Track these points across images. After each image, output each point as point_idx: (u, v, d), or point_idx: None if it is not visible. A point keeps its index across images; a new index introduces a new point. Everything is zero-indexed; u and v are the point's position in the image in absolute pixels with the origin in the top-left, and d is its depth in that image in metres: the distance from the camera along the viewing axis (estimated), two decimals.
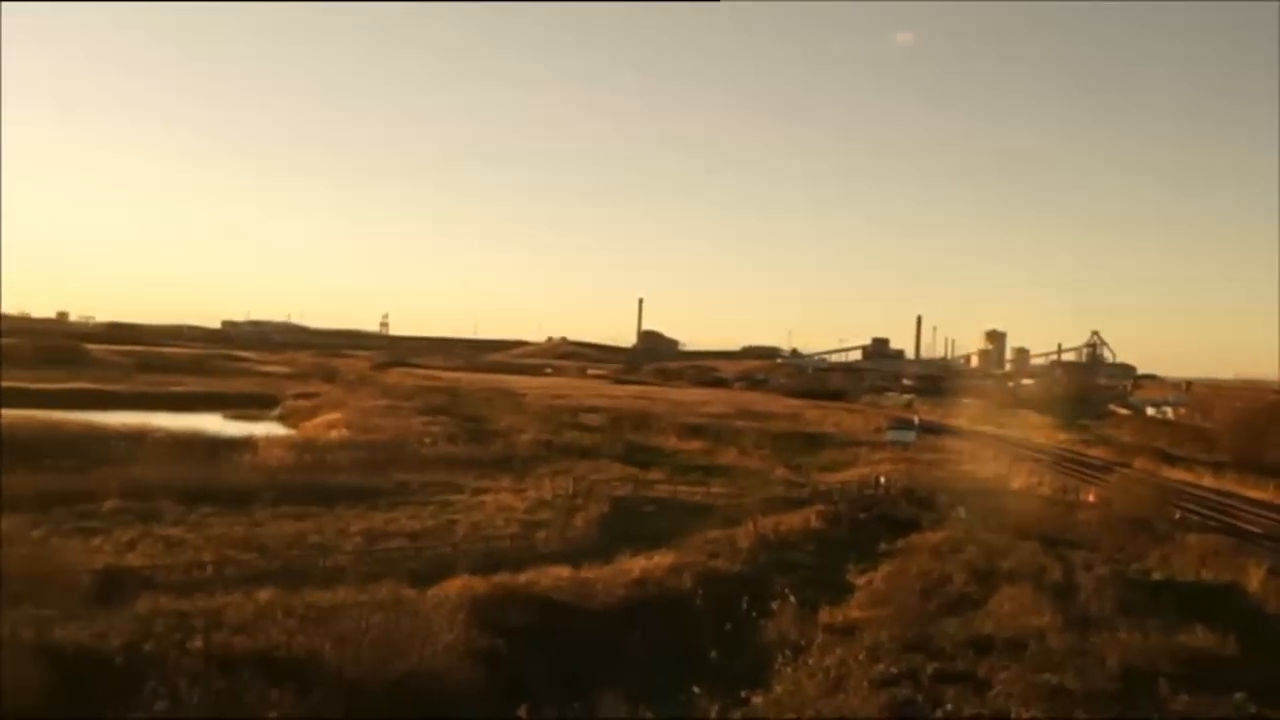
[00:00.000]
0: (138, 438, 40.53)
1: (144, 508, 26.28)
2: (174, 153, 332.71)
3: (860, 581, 24.87)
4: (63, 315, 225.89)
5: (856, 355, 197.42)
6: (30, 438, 38.79)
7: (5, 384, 65.15)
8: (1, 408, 45.29)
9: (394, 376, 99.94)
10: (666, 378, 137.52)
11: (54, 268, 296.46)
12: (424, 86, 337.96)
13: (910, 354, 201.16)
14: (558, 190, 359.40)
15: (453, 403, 69.13)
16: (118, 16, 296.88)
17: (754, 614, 20.40)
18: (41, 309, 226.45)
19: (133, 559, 21.45)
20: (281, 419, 62.46)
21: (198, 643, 14.84)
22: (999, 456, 51.90)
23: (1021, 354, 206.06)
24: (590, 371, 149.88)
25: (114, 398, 65.73)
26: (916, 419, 71.03)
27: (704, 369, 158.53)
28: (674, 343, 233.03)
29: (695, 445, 52.36)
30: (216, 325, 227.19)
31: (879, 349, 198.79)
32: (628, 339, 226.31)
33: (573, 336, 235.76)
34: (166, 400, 67.03)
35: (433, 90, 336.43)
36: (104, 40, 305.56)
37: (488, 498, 31.88)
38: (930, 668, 15.77)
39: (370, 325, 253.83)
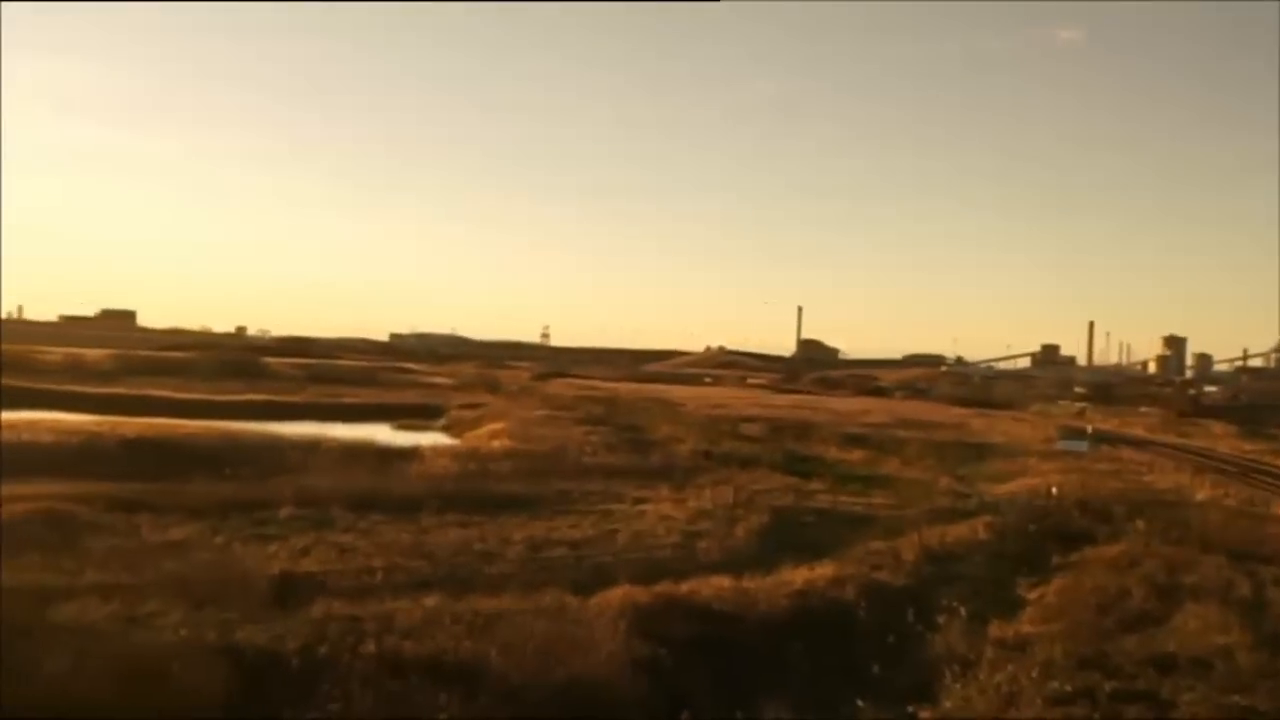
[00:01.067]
0: (311, 447, 41.96)
1: (317, 515, 27.04)
2: (340, 172, 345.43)
3: (1031, 596, 23.94)
4: (241, 330, 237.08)
5: (1025, 362, 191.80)
6: (211, 447, 40.73)
7: (189, 396, 68.73)
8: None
9: (555, 387, 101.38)
10: (827, 386, 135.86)
11: (233, 286, 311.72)
12: (584, 94, 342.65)
13: (1082, 360, 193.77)
14: (715, 198, 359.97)
15: (612, 412, 69.64)
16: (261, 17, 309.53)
17: (919, 627, 19.90)
18: (222, 324, 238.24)
19: (307, 564, 22.06)
20: (447, 429, 63.89)
21: (370, 647, 15.21)
22: (1180, 467, 49.54)
23: (1203, 360, 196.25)
24: (749, 381, 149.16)
25: (289, 408, 68.22)
26: (1090, 428, 68.50)
27: (865, 377, 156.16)
28: (834, 351, 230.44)
29: (856, 455, 51.48)
30: (385, 338, 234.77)
31: (1048, 356, 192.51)
32: (787, 347, 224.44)
33: (731, 346, 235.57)
34: (338, 411, 69.31)
35: (591, 98, 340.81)
36: (258, 55, 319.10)
37: (648, 507, 31.91)
38: (1108, 686, 15.09)
39: (532, 337, 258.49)
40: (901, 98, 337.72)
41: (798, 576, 22.64)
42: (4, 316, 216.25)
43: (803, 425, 63.72)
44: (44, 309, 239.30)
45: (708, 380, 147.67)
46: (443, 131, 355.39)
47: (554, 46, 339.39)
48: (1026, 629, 20.56)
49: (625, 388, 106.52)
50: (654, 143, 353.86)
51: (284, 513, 26.90)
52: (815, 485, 39.38)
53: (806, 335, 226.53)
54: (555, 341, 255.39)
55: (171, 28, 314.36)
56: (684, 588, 20.69)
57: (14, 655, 13.40)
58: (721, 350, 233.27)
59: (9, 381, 74.60)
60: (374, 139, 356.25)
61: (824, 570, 23.30)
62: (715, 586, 21.13)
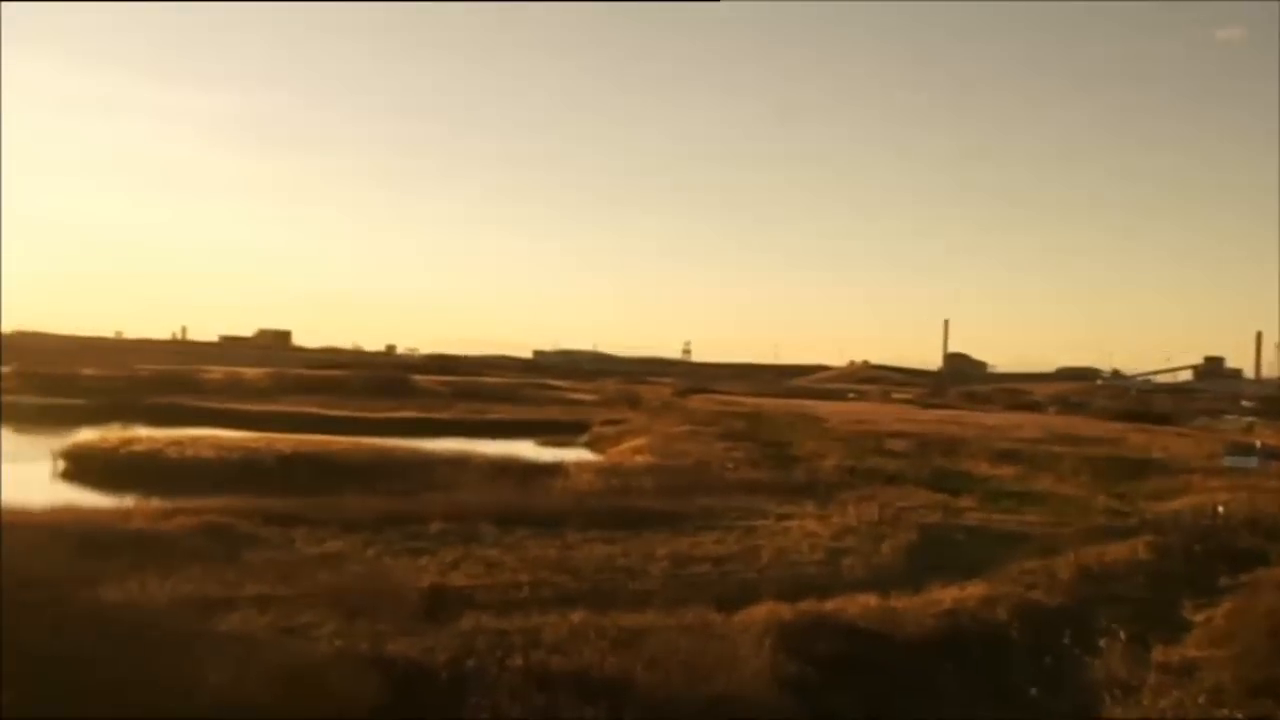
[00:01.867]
0: (459, 463, 42.81)
1: (465, 530, 27.41)
2: (486, 191, 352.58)
3: (1198, 618, 22.77)
4: (391, 348, 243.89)
5: (1186, 375, 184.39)
6: (363, 462, 42.07)
7: (342, 413, 70.97)
8: None
9: (696, 402, 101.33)
10: (975, 401, 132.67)
11: (383, 306, 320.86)
12: (728, 112, 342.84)
13: (1249, 373, 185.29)
14: (859, 211, 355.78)
15: (754, 428, 69.25)
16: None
17: (1077, 650, 19.13)
18: (372, 343, 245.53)
19: (456, 578, 22.38)
20: (589, 445, 64.49)
21: (517, 660, 15.32)
22: None
23: None
24: (894, 395, 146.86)
25: (437, 425, 69.88)
26: (1259, 443, 65.21)
27: (1015, 392, 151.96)
28: (982, 365, 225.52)
29: (1007, 471, 49.98)
30: (528, 355, 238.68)
31: (1213, 368, 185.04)
32: (933, 361, 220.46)
33: (875, 360, 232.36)
34: (484, 427, 70.68)
35: (735, 116, 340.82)
36: (406, 75, 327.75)
37: (791, 523, 31.54)
38: None
39: (673, 353, 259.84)
40: (1054, 101, 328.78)
41: (947, 595, 22.03)
42: (167, 337, 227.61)
43: (950, 441, 62.20)
44: (206, 330, 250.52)
45: (851, 395, 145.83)
46: (584, 148, 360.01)
47: (696, 64, 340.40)
48: (1192, 653, 19.57)
49: (767, 403, 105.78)
50: (793, 158, 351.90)
51: (433, 527, 27.34)
52: (964, 502, 38.38)
53: (953, 348, 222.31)
54: (696, 357, 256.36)
55: (316, 57, 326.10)
56: (829, 605, 20.35)
57: (180, 663, 13.93)
58: (865, 364, 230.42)
59: (178, 400, 78.46)
60: (516, 157, 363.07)
61: (975, 589, 22.63)
62: (861, 605, 20.71)
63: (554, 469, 43.34)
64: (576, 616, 18.36)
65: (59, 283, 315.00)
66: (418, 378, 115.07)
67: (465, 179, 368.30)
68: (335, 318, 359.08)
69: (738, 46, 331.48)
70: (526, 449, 56.53)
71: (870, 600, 21.08)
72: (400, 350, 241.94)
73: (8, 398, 73.40)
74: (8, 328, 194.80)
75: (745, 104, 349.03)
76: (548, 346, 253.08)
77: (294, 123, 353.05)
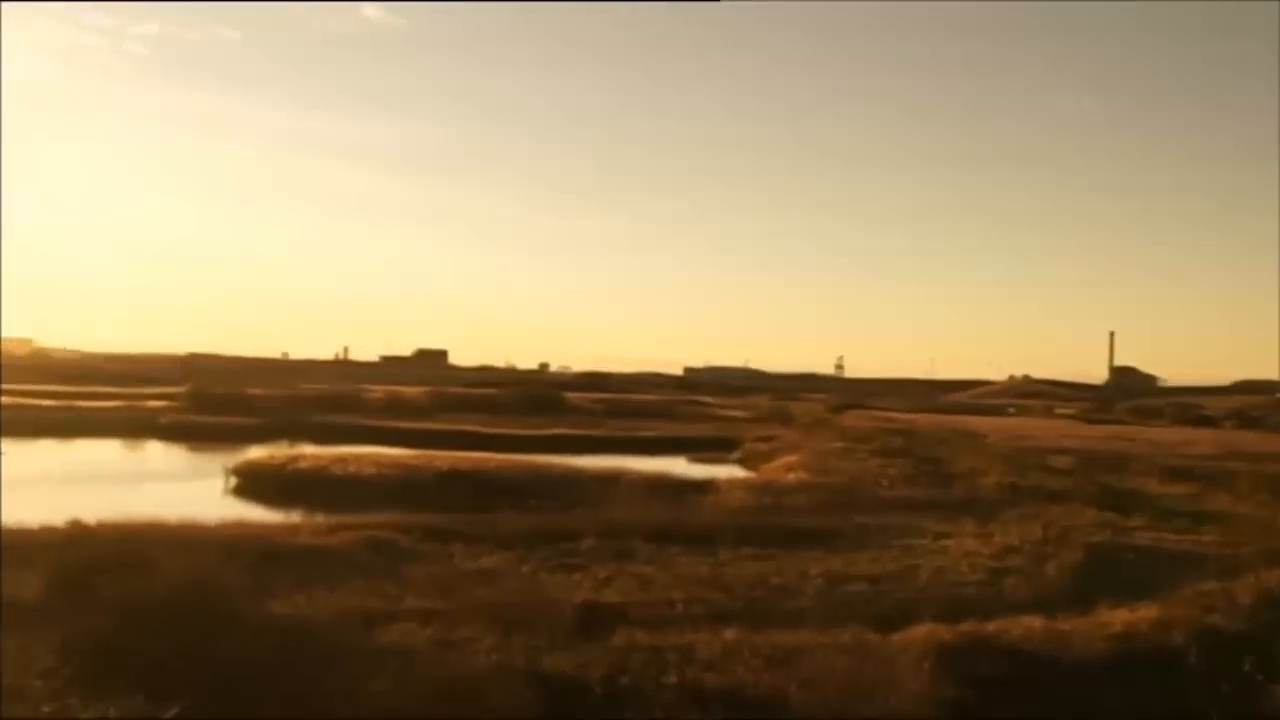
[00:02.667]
0: (611, 479, 43.14)
1: (618, 546, 27.51)
2: (633, 214, 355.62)
3: None
4: (544, 366, 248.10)
5: None
6: (518, 479, 42.78)
7: (496, 430, 72.39)
8: None
9: (850, 419, 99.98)
10: (1144, 416, 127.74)
11: (535, 324, 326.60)
12: (886, 127, 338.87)
13: None
14: (1018, 219, 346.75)
15: (910, 444, 67.86)
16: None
17: (1259, 677, 18.09)
18: (525, 361, 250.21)
19: (609, 594, 22.45)
20: (741, 462, 64.21)
21: (671, 677, 15.28)
22: None
23: None
24: (1057, 411, 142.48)
25: (589, 442, 70.59)
26: None
27: (1187, 406, 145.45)
28: (1150, 378, 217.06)
29: (1180, 489, 47.74)
30: (680, 372, 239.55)
31: None
32: (1097, 375, 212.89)
33: (1036, 374, 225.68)
34: (636, 444, 71.05)
35: (891, 130, 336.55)
36: (557, 108, 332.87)
37: (950, 542, 30.75)
38: None
39: (825, 368, 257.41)
40: (1227, 97, 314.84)
41: (1117, 618, 21.11)
42: (330, 357, 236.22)
43: (1118, 457, 59.88)
44: (366, 350, 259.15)
45: (1011, 410, 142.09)
46: (737, 167, 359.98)
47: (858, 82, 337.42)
48: None
49: (923, 419, 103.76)
50: (959, 167, 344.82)
51: (586, 543, 27.50)
52: (1134, 521, 36.77)
53: (1120, 361, 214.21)
54: (849, 373, 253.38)
55: (469, 86, 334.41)
56: (991, 627, 19.73)
57: (344, 673, 14.32)
58: (1025, 379, 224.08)
59: (341, 418, 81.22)
60: (667, 178, 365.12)
61: (1147, 612, 21.61)
62: (1025, 626, 20.03)
63: (706, 486, 43.27)
64: (730, 634, 18.21)
65: (230, 308, 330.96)
66: (570, 395, 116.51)
67: (617, 200, 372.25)
68: (489, 337, 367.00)
69: None
70: (678, 465, 56.62)
71: (1035, 622, 20.35)
72: (553, 368, 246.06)
73: (184, 417, 77.30)
74: (184, 350, 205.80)
75: (904, 106, 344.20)
76: (699, 363, 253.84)
77: (450, 150, 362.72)
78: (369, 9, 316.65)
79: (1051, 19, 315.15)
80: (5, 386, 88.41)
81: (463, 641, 17.08)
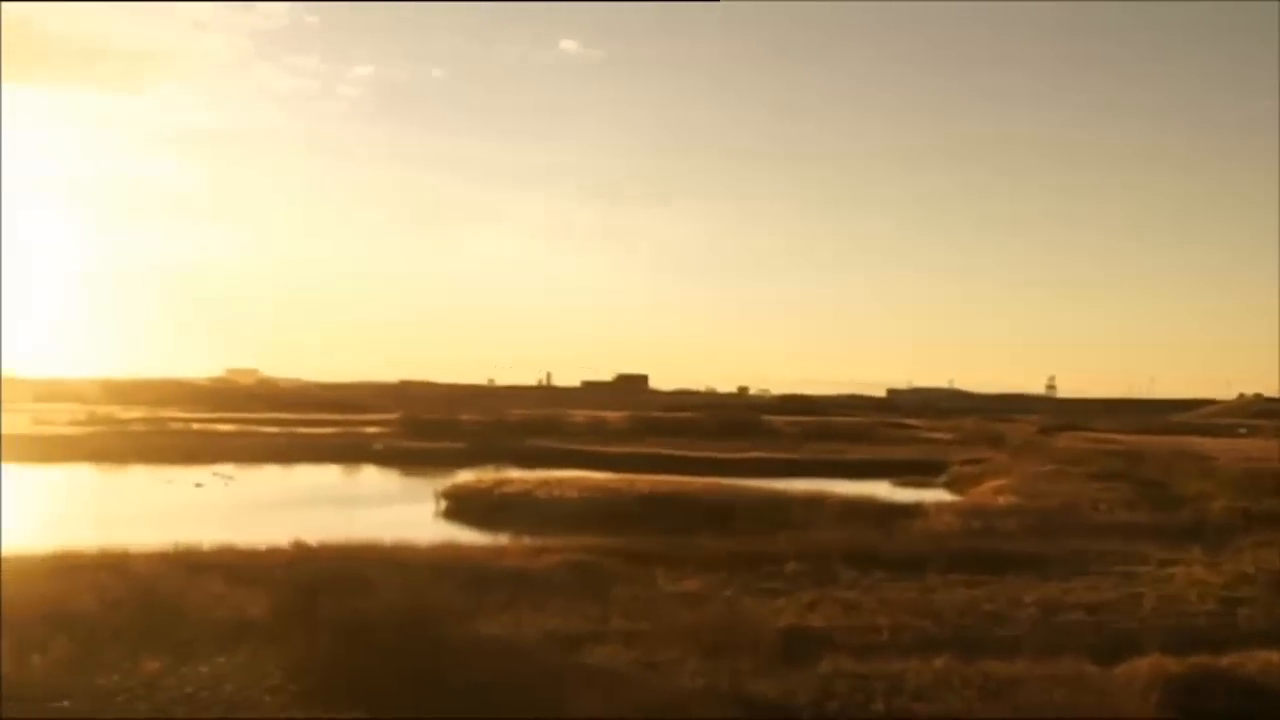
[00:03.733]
0: (813, 503, 42.67)
1: (821, 570, 27.14)
2: (839, 236, 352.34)
3: None
4: (743, 390, 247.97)
5: None
6: (718, 503, 42.86)
7: (696, 454, 72.81)
8: None
9: (1063, 440, 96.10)
10: None
11: (735, 348, 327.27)
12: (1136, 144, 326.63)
13: None
14: (1238, 229, 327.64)
15: (1130, 467, 64.71)
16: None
17: None
18: (725, 384, 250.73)
19: (813, 619, 22.15)
20: (948, 485, 62.62)
21: (879, 705, 15.00)
22: None
23: None
24: None
25: (790, 465, 70.17)
26: None
27: None
28: None
29: None
30: (882, 394, 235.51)
31: None
32: None
33: (1270, 393, 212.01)
34: (838, 467, 70.15)
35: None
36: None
37: (1176, 570, 29.09)
38: None
39: (1035, 388, 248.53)
40: None
41: None
42: (534, 383, 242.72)
43: None
44: (569, 375, 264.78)
45: (1242, 431, 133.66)
46: (944, 181, 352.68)
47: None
48: None
49: (1143, 440, 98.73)
50: (1181, 171, 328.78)
51: (788, 567, 27.26)
52: None
53: None
54: (1062, 392, 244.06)
55: (660, 118, 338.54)
56: (1225, 660, 18.55)
57: (551, 694, 14.55)
58: (1258, 398, 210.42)
59: (545, 443, 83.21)
60: (867, 196, 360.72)
61: None
62: (1262, 660, 18.74)
63: (911, 510, 42.42)
64: (940, 662, 17.67)
65: (438, 336, 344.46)
66: (770, 418, 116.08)
67: (819, 221, 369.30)
68: (689, 360, 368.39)
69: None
70: (882, 489, 55.53)
71: (1273, 656, 19.01)
72: (753, 391, 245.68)
73: (396, 443, 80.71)
74: (396, 378, 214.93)
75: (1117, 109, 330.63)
76: (902, 384, 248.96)
77: (649, 175, 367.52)
78: (566, 43, 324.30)
79: None
80: (234, 415, 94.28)
81: (667, 664, 17.15)
